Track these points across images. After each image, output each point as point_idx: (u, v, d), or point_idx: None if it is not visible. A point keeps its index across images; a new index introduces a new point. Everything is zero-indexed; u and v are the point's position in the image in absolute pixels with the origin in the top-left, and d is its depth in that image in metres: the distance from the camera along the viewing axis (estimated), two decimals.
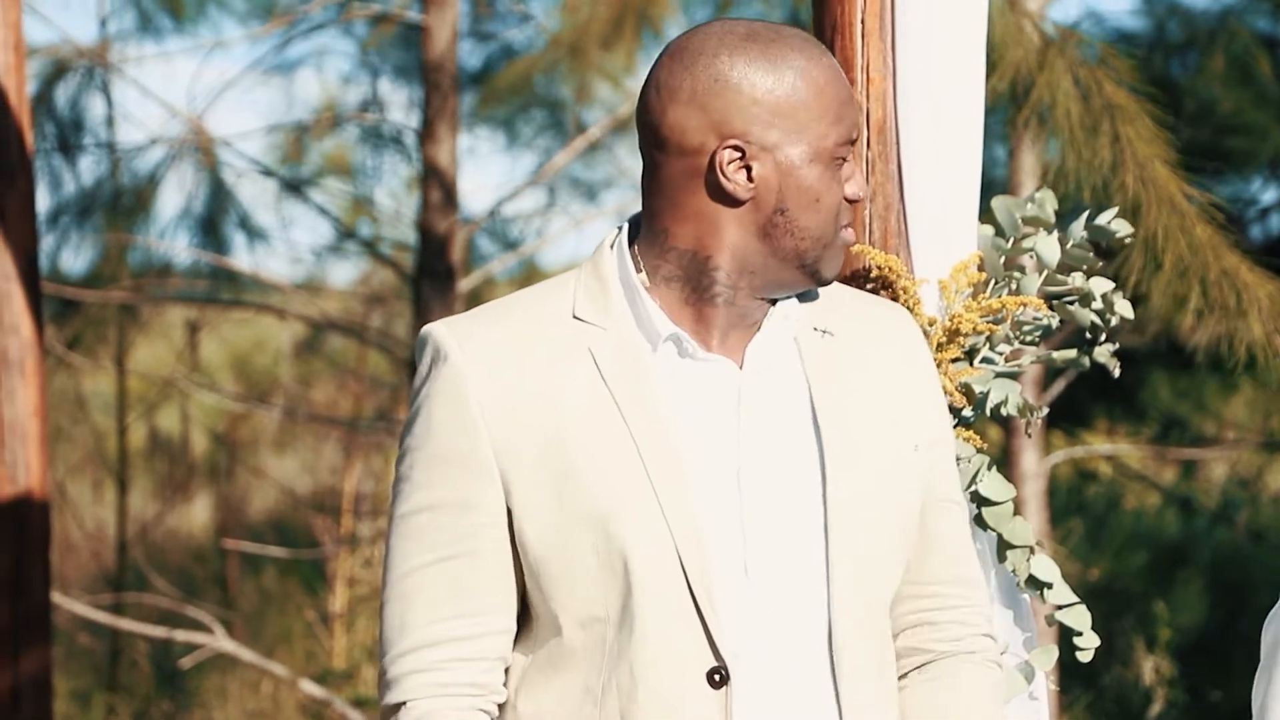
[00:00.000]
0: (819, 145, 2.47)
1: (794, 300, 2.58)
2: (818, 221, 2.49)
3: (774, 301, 2.55)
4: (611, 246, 2.55)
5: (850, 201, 2.53)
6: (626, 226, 2.57)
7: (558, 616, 2.45)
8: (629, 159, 10.67)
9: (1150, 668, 9.37)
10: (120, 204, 9.48)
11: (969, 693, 2.62)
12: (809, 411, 2.52)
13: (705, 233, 2.49)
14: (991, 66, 4.80)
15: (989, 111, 5.31)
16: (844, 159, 2.52)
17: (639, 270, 2.51)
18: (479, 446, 2.45)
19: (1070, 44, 4.87)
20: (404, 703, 2.48)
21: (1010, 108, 5.02)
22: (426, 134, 8.81)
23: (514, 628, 2.50)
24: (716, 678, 2.42)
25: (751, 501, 2.47)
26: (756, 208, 2.49)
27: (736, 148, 2.46)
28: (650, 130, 2.50)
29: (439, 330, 2.50)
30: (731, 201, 2.48)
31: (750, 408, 2.49)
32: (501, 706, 2.52)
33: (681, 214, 2.50)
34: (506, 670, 2.52)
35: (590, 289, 2.52)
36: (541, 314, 2.51)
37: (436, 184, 8.77)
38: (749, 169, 2.47)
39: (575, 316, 2.50)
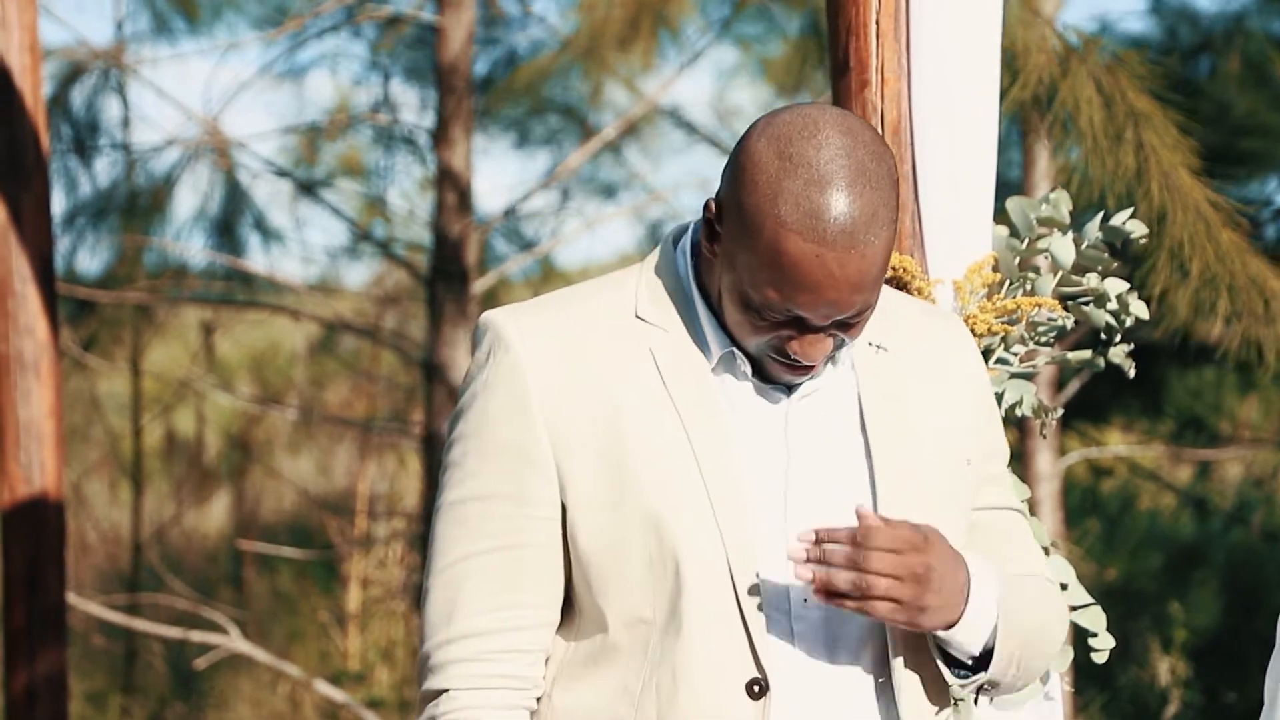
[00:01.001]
0: (747, 284, 2.37)
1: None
2: (739, 334, 2.43)
3: None
4: (675, 245, 2.52)
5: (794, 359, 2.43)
6: (692, 228, 2.54)
7: (604, 614, 2.45)
8: (642, 160, 10.67)
9: (1166, 669, 9.36)
10: (136, 205, 9.50)
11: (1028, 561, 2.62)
12: (859, 431, 2.50)
13: (708, 267, 2.47)
14: (1014, 74, 4.79)
15: (1010, 118, 5.30)
16: (789, 332, 2.39)
17: (697, 276, 2.49)
18: (536, 439, 2.44)
19: (1093, 51, 4.86)
20: (446, 690, 2.47)
21: (1034, 115, 5.01)
22: (440, 135, 8.81)
23: (558, 621, 2.50)
24: (756, 688, 2.42)
25: (796, 519, 2.45)
26: (714, 267, 2.45)
27: (714, 212, 2.42)
28: None
29: (501, 318, 2.48)
30: (711, 253, 2.45)
31: (798, 431, 2.48)
32: (539, 699, 2.51)
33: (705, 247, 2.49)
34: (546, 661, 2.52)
35: (653, 289, 2.49)
36: (603, 308, 2.49)
37: (450, 185, 8.78)
38: (714, 237, 2.42)
39: (637, 316, 2.48)
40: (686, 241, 2.52)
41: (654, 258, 2.53)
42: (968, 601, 2.42)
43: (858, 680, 2.47)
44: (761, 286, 2.35)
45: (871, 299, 2.38)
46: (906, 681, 2.49)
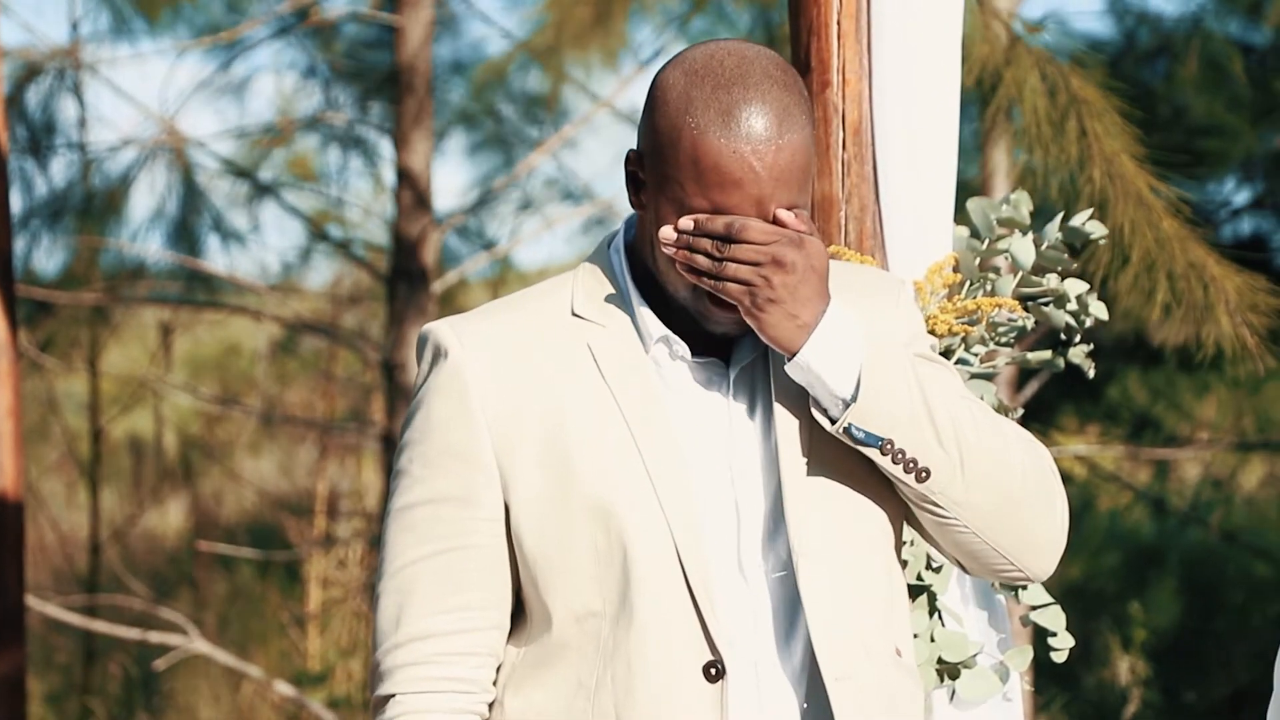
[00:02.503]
0: (678, 198, 2.41)
1: None
2: (672, 272, 2.46)
3: None
4: (609, 245, 2.56)
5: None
6: (624, 227, 2.57)
7: (553, 611, 2.45)
8: (601, 160, 10.67)
9: (1125, 668, 9.39)
10: (92, 206, 9.46)
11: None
12: (798, 400, 2.50)
13: (640, 235, 2.51)
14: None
15: (967, 115, 5.31)
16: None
17: (632, 271, 2.52)
18: (479, 441, 2.46)
19: (1036, 39, 4.88)
20: (394, 695, 2.48)
21: (977, 104, 5.03)
22: (399, 134, 8.80)
23: (508, 625, 2.50)
24: (713, 671, 2.42)
25: (746, 497, 2.47)
26: (644, 226, 2.50)
27: (635, 160, 2.47)
28: None
29: (440, 328, 2.52)
30: (639, 206, 2.49)
31: (740, 408, 2.50)
32: (490, 705, 2.51)
33: (636, 218, 2.54)
34: (498, 669, 2.51)
35: (589, 287, 2.53)
36: (541, 311, 2.52)
37: (409, 184, 8.76)
38: (640, 186, 2.48)
39: (574, 313, 2.51)
40: (620, 240, 2.56)
41: (589, 260, 2.57)
42: (819, 324, 2.41)
43: (813, 657, 2.46)
44: (691, 199, 2.40)
45: (799, 200, 2.42)
46: (826, 650, 2.46)
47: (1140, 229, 4.65)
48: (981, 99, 4.89)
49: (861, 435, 2.43)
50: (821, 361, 2.42)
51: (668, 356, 2.50)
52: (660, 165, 2.43)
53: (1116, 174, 4.67)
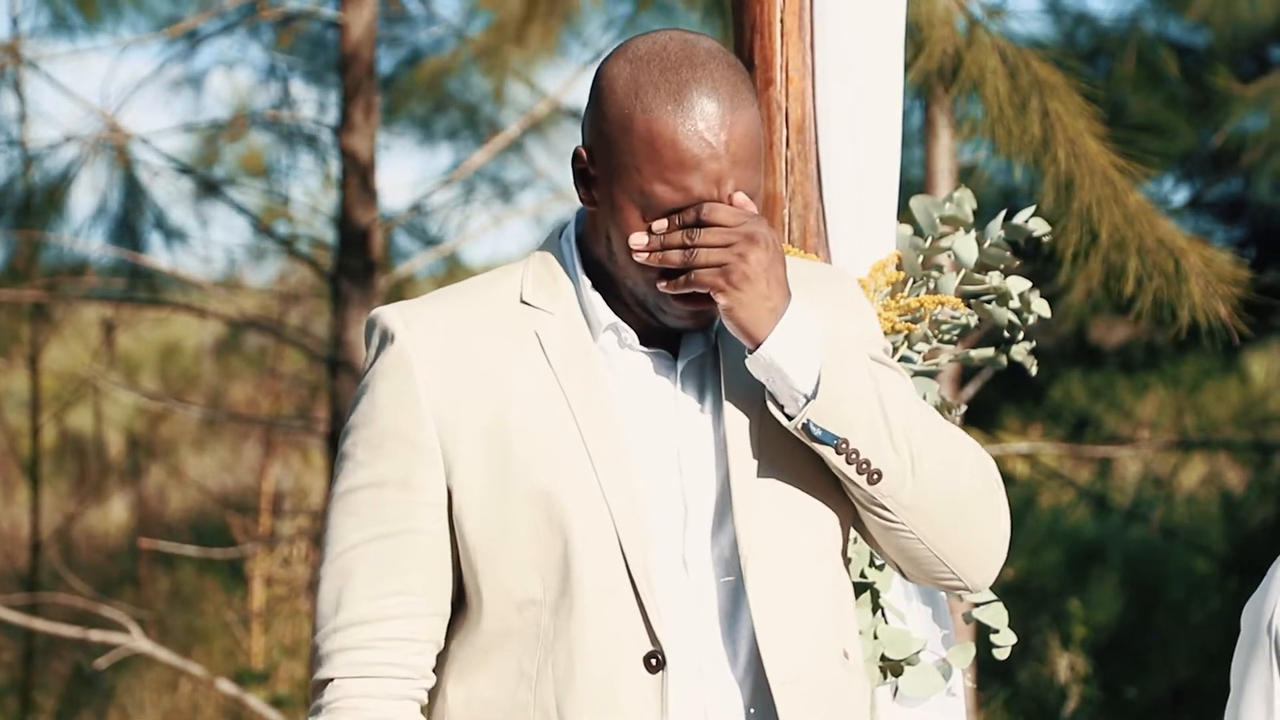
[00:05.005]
0: (635, 184, 2.41)
1: None
2: (633, 268, 2.45)
3: None
4: (560, 235, 2.56)
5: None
6: (575, 218, 2.57)
7: (494, 599, 2.45)
8: (546, 158, 10.67)
9: (1065, 665, 9.43)
10: (32, 203, 9.40)
11: None
12: (748, 390, 2.50)
13: (591, 232, 2.51)
14: (918, 47, 4.82)
15: (918, 92, 5.33)
16: (676, 210, 2.42)
17: (583, 260, 2.52)
18: (422, 426, 2.46)
19: (996, 21, 4.89)
20: (331, 679, 2.47)
21: (939, 87, 5.03)
22: (344, 129, 8.77)
23: (448, 612, 2.49)
24: (654, 661, 2.42)
25: (693, 488, 2.47)
26: (598, 222, 2.49)
27: (581, 156, 2.47)
28: None
29: (387, 312, 2.51)
30: (591, 202, 2.49)
31: (688, 398, 2.50)
32: (432, 694, 2.51)
33: (584, 212, 2.53)
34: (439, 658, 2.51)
35: (538, 275, 2.52)
36: (489, 297, 2.52)
37: (355, 180, 8.74)
38: (590, 182, 2.47)
39: (523, 300, 2.51)
40: (571, 230, 2.55)
41: (540, 248, 2.57)
42: (784, 314, 2.41)
43: (755, 651, 2.46)
44: (649, 184, 2.40)
45: (754, 180, 2.43)
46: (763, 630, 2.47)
47: (1108, 206, 4.67)
48: (943, 81, 4.90)
49: (819, 433, 2.43)
50: (784, 355, 2.42)
51: (616, 344, 2.50)
52: (613, 156, 2.42)
53: (1081, 153, 4.69)
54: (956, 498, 2.50)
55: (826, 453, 2.44)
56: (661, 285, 2.42)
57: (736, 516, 2.46)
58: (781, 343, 2.41)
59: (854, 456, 2.44)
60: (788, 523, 2.48)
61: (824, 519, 2.52)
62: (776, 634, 2.45)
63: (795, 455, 2.49)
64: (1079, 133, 4.69)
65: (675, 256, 2.39)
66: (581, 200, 2.50)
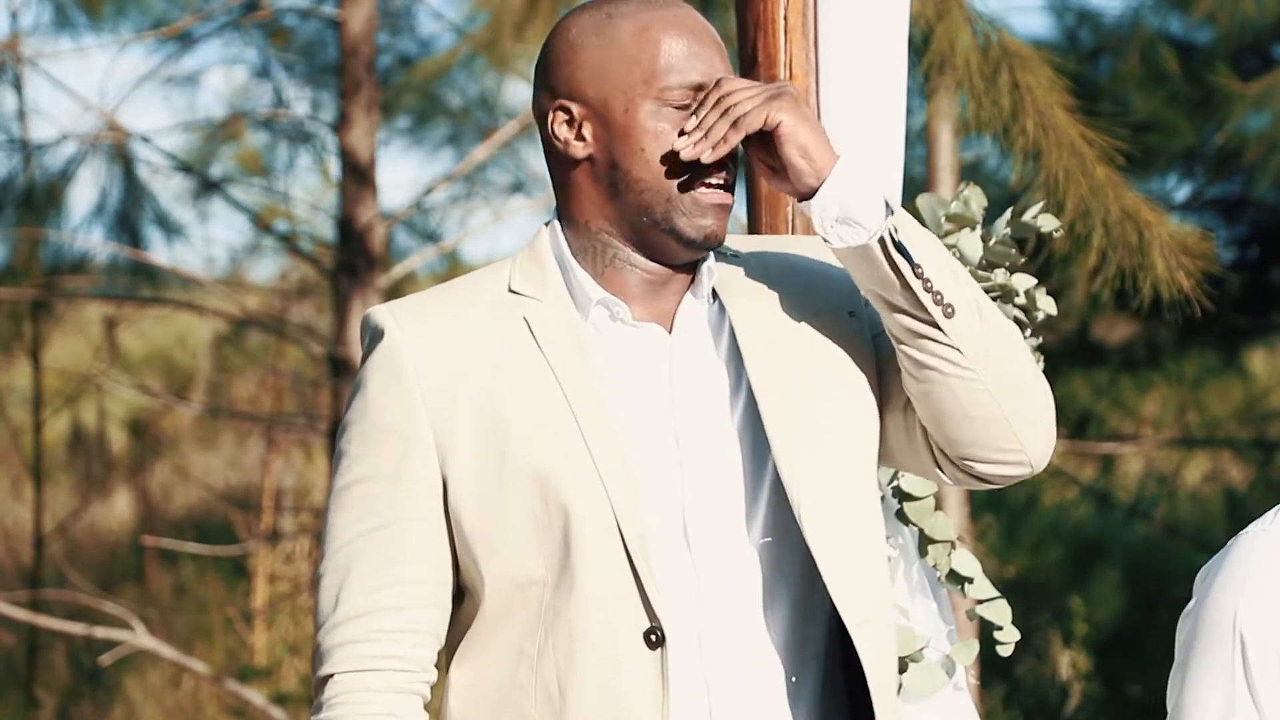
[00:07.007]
0: (637, 93, 2.48)
1: (721, 257, 2.58)
2: (650, 173, 2.49)
3: (700, 262, 2.55)
4: (546, 225, 2.58)
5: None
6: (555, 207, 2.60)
7: (493, 583, 2.46)
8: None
9: (1067, 662, 9.43)
10: (32, 200, 9.40)
11: None
12: (739, 364, 2.52)
13: (575, 199, 2.53)
14: None
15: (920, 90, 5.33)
16: (684, 106, 2.50)
17: (569, 240, 2.54)
18: (415, 418, 2.47)
19: None
20: (332, 675, 2.48)
21: (910, 58, 5.05)
22: (344, 126, 8.77)
23: (448, 604, 2.51)
24: (653, 638, 2.43)
25: (692, 463, 2.48)
26: (596, 165, 2.51)
27: (562, 108, 2.51)
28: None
29: (378, 310, 2.54)
30: (573, 163, 2.52)
31: (683, 373, 2.51)
32: (432, 686, 2.52)
33: (560, 186, 2.56)
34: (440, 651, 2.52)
35: (526, 265, 2.55)
36: (479, 290, 2.55)
37: (354, 177, 8.73)
38: (580, 127, 2.50)
39: (511, 290, 2.53)
40: (554, 219, 2.58)
41: (530, 240, 2.59)
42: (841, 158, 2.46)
43: (757, 624, 2.48)
44: (661, 79, 2.47)
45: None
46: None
47: (1074, 177, 4.68)
48: (914, 53, 4.91)
49: (901, 244, 2.43)
50: (857, 171, 2.45)
51: (608, 319, 2.52)
52: (604, 85, 2.48)
53: (1049, 125, 4.70)
54: (1016, 356, 2.49)
55: (905, 270, 2.43)
56: (706, 156, 2.44)
57: (784, 476, 2.45)
58: (851, 161, 2.45)
59: (930, 285, 2.43)
60: (830, 470, 2.49)
61: (861, 463, 2.52)
62: (846, 578, 2.46)
63: (822, 404, 2.49)
64: (1049, 105, 4.71)
65: (719, 127, 2.44)
66: (564, 157, 2.52)
